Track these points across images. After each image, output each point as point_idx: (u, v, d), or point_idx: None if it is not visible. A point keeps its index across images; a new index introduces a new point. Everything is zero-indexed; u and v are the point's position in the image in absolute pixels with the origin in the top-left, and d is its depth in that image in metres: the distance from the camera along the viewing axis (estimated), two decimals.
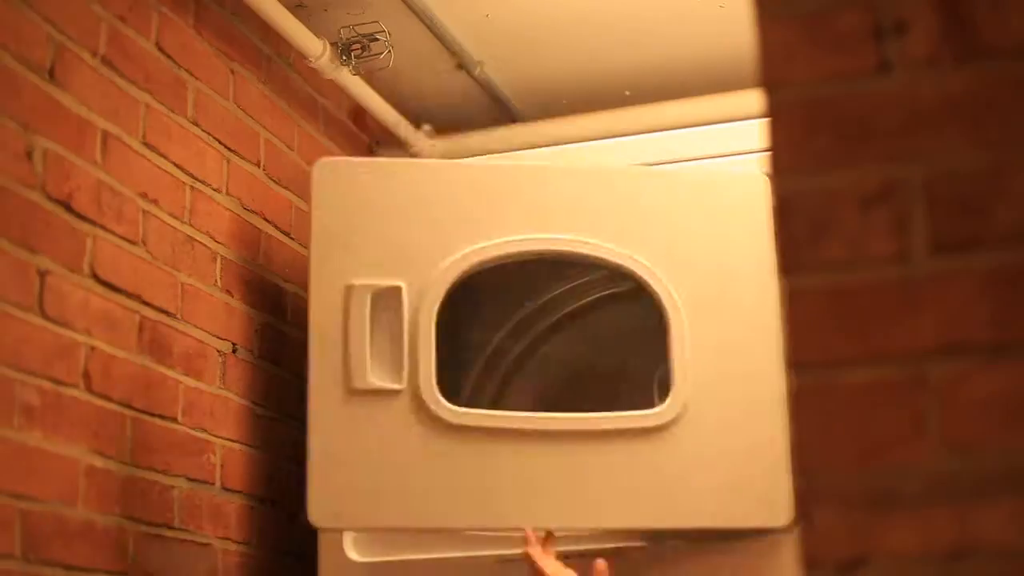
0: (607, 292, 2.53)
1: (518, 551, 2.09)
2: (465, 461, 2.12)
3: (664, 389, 2.22)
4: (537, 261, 2.29)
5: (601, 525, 2.20)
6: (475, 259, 2.21)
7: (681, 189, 2.27)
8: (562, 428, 2.16)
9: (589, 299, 2.57)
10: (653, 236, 2.23)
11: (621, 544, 2.24)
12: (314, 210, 2.22)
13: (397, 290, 2.15)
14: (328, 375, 2.13)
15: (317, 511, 2.10)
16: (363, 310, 2.13)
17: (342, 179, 2.20)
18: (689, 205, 2.25)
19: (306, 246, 2.75)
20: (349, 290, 2.15)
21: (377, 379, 2.12)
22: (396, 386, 2.12)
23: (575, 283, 2.51)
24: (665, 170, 2.31)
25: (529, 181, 2.27)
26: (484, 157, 2.59)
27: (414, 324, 2.14)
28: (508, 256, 2.24)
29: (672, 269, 2.21)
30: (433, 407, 2.13)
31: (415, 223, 2.19)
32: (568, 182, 2.27)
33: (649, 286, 2.21)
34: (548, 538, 2.10)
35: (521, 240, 2.23)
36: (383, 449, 2.11)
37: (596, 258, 2.24)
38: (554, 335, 2.64)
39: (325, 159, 2.53)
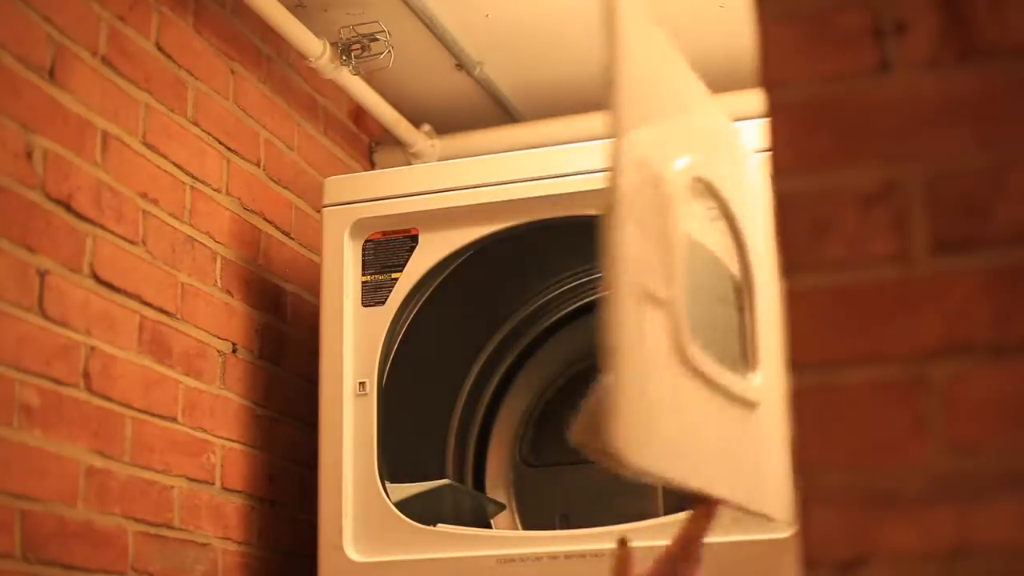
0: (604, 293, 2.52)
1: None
2: (701, 412, 1.71)
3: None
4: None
5: (739, 502, 1.99)
6: (696, 171, 1.82)
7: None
8: (745, 395, 1.82)
9: (587, 300, 2.57)
10: (747, 205, 1.96)
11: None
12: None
13: (660, 180, 1.68)
14: (628, 273, 1.53)
15: (629, 444, 1.50)
16: (650, 192, 1.65)
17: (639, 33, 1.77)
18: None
19: (306, 246, 2.76)
20: (641, 167, 1.69)
21: (657, 284, 1.63)
22: (664, 295, 1.62)
23: (572, 284, 2.51)
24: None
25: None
26: (484, 157, 2.59)
27: (670, 222, 1.68)
28: (703, 182, 1.86)
29: (755, 242, 2.00)
30: (685, 337, 1.66)
31: (669, 109, 1.82)
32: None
33: (748, 255, 1.97)
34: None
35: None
36: (656, 380, 1.62)
37: (734, 221, 1.92)
38: (553, 334, 2.64)
39: (333, 179, 2.54)
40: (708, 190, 1.88)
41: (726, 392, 1.76)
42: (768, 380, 1.96)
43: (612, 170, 1.55)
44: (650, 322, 1.57)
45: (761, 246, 2.01)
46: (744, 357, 1.96)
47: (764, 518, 2.01)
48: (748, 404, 1.86)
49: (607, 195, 1.54)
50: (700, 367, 1.66)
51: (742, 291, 1.96)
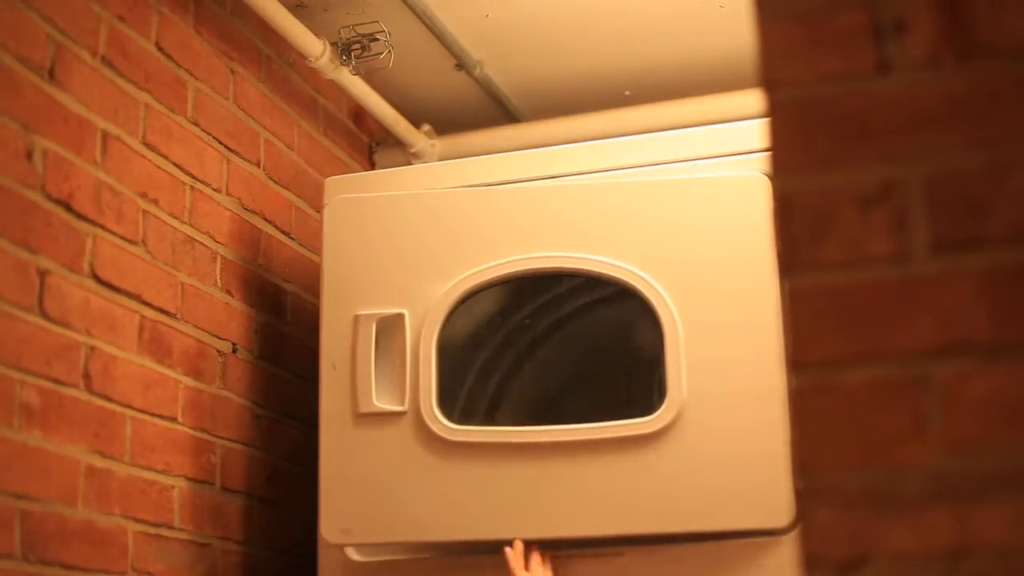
0: (595, 297, 2.54)
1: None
2: (465, 476, 2.22)
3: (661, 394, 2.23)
4: (532, 277, 2.36)
5: (601, 532, 2.21)
6: (473, 282, 2.31)
7: (675, 197, 2.30)
8: (556, 440, 2.22)
9: (576, 305, 2.57)
10: (647, 246, 2.27)
11: (622, 545, 2.24)
12: (325, 249, 2.37)
13: (400, 317, 2.28)
14: (337, 401, 2.28)
15: (329, 528, 2.25)
16: (369, 338, 2.27)
17: (352, 217, 2.35)
18: (683, 212, 2.29)
19: (306, 246, 2.76)
20: (356, 320, 2.29)
21: (381, 402, 2.25)
22: (399, 408, 2.25)
23: (561, 290, 2.53)
24: (656, 180, 2.33)
25: (526, 202, 2.34)
26: (484, 157, 2.59)
27: (415, 348, 2.27)
28: (505, 277, 2.33)
29: (665, 275, 2.24)
30: (432, 426, 2.23)
31: (417, 252, 2.32)
32: (561, 200, 2.34)
33: (643, 295, 2.24)
34: (531, 551, 2.14)
35: (517, 260, 2.31)
36: (388, 468, 2.23)
37: (591, 272, 2.31)
38: (543, 343, 2.65)
39: (333, 178, 2.55)
40: (553, 270, 2.33)
41: (577, 443, 2.18)
42: (695, 400, 2.19)
43: (320, 334, 2.38)
44: (376, 432, 2.27)
45: (677, 278, 2.19)
46: (650, 399, 2.26)
47: (686, 537, 2.16)
48: (640, 439, 2.17)
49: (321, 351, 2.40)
50: (473, 440, 2.22)
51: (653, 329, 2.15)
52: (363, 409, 2.25)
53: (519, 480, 2.20)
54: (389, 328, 2.28)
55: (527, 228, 2.32)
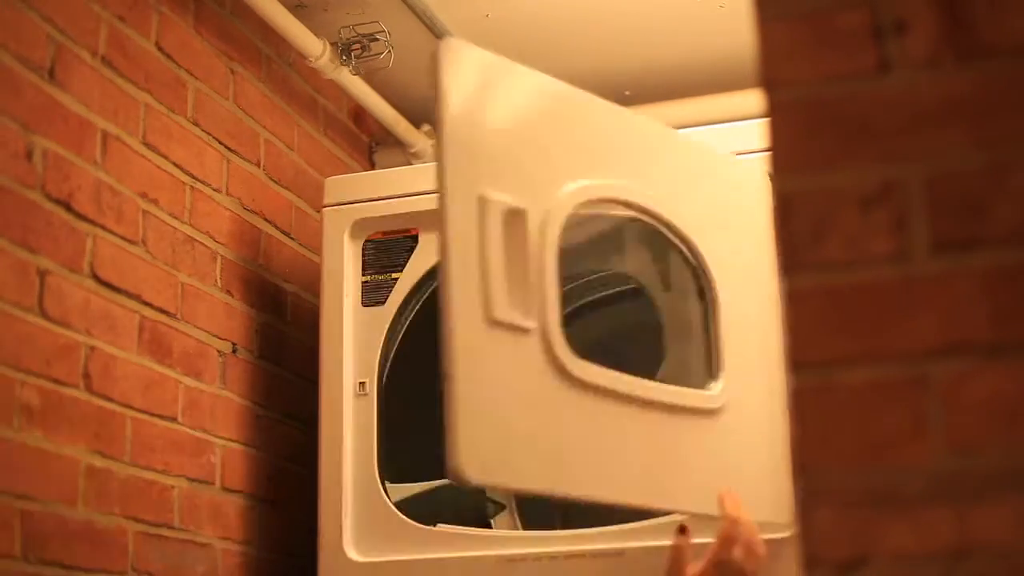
0: (600, 295, 2.53)
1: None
2: (587, 422, 1.81)
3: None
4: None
5: (672, 507, 1.99)
6: (593, 194, 1.89)
7: (725, 168, 2.14)
8: (660, 400, 1.89)
9: (584, 301, 2.56)
10: (707, 210, 2.05)
11: (621, 545, 2.24)
12: (446, 102, 1.74)
13: (522, 213, 1.77)
14: (469, 301, 1.69)
15: (467, 462, 1.62)
16: (497, 229, 1.74)
17: (471, 70, 1.80)
18: (732, 185, 2.12)
19: (306, 246, 2.76)
20: (483, 203, 1.74)
21: (514, 313, 1.74)
22: (528, 324, 1.75)
23: (570, 286, 2.51)
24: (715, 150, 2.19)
25: (638, 129, 2.03)
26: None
27: (539, 255, 1.78)
28: (615, 202, 1.95)
29: (719, 249, 2.04)
30: (561, 356, 1.77)
31: (539, 141, 1.87)
32: (665, 143, 2.06)
33: (705, 264, 2.00)
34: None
35: (626, 188, 1.94)
36: (519, 397, 1.74)
37: (669, 222, 1.98)
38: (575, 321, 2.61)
39: (333, 178, 2.53)
40: (635, 208, 1.96)
41: (657, 404, 1.85)
42: (739, 383, 1.99)
43: (444, 206, 1.64)
44: (507, 349, 1.68)
45: (728, 252, 2.04)
46: (705, 369, 2.00)
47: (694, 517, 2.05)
48: (702, 413, 1.92)
49: (440, 229, 1.65)
50: (598, 383, 1.76)
51: (700, 305, 2.00)
52: (498, 315, 1.71)
53: (621, 436, 1.84)
54: (509, 224, 1.76)
55: (634, 160, 1.99)
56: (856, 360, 0.99)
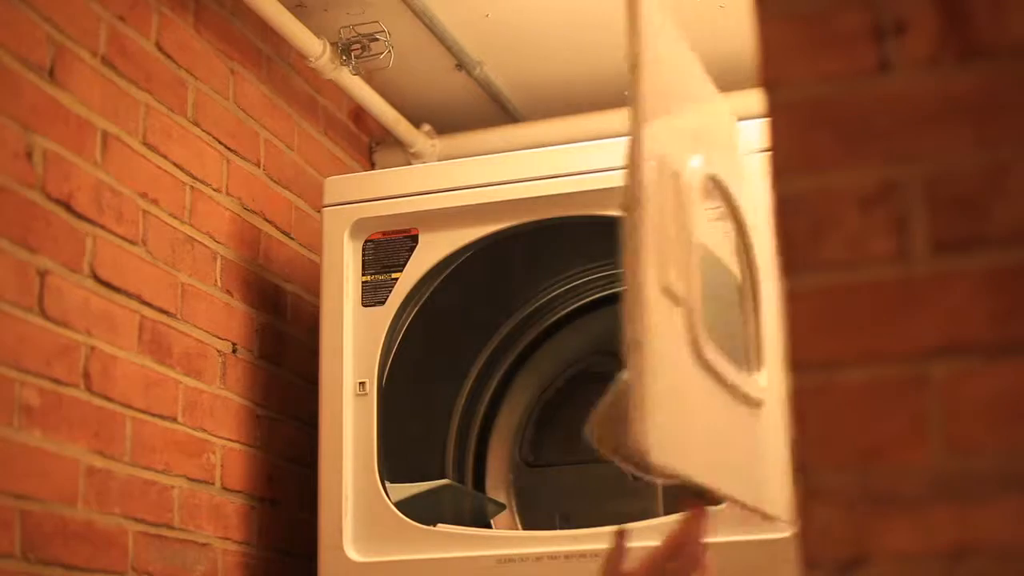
0: (604, 294, 2.53)
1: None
2: (715, 408, 1.69)
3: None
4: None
5: (746, 500, 1.97)
6: (708, 170, 1.75)
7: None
8: (751, 393, 1.78)
9: (586, 300, 2.56)
10: (752, 205, 1.94)
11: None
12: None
13: (678, 177, 1.63)
14: (649, 271, 1.52)
15: (656, 445, 1.43)
16: (672, 191, 1.60)
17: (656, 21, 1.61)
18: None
19: (306, 246, 2.76)
20: (662, 165, 1.55)
21: (677, 282, 1.58)
22: (683, 293, 1.59)
23: (572, 284, 2.51)
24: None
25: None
26: (484, 157, 2.59)
27: (687, 221, 1.63)
28: (716, 181, 1.83)
29: (760, 241, 1.92)
30: (700, 334, 1.62)
31: (682, 107, 1.77)
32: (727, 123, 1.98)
33: (754, 254, 1.89)
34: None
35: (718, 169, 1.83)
36: (679, 375, 1.58)
37: (741, 219, 1.91)
38: (553, 335, 2.63)
39: (333, 178, 2.52)
40: (718, 189, 1.87)
41: (735, 391, 1.73)
42: (771, 379, 1.97)
43: (632, 165, 1.48)
44: (670, 318, 1.53)
45: (765, 245, 2.02)
46: (748, 356, 1.97)
47: (766, 517, 2.02)
48: (754, 403, 1.84)
49: (627, 190, 1.47)
50: (714, 365, 1.63)
51: (747, 291, 1.98)
52: (670, 285, 1.55)
53: (728, 426, 1.75)
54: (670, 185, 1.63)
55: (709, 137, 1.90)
56: (856, 360, 0.99)
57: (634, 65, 1.48)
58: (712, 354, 1.62)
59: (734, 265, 1.98)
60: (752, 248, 1.99)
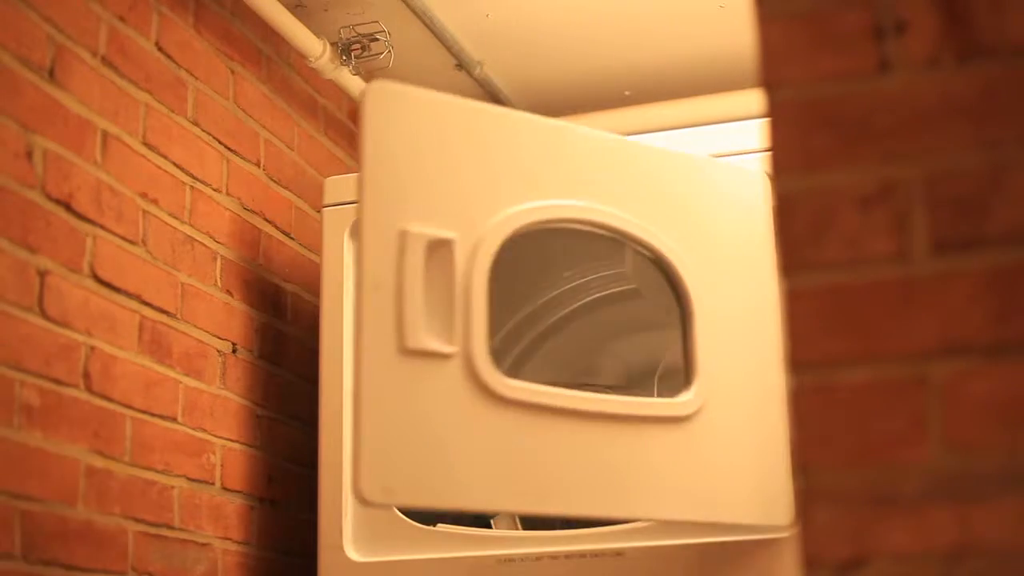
0: (602, 294, 2.53)
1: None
2: (513, 438, 1.89)
3: (667, 383, 2.15)
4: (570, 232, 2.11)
5: (635, 515, 2.09)
6: (525, 220, 1.97)
7: (706, 178, 2.17)
8: (607, 411, 1.98)
9: (585, 300, 2.57)
10: (679, 220, 2.11)
11: (621, 545, 2.24)
12: (367, 141, 1.84)
13: (449, 243, 1.87)
14: (380, 332, 1.81)
15: (369, 485, 1.76)
16: (418, 260, 1.84)
17: (396, 109, 1.90)
18: (709, 191, 2.16)
19: (306, 246, 2.76)
20: (404, 236, 1.84)
21: (430, 340, 1.84)
22: (448, 349, 1.85)
23: (573, 284, 2.51)
24: (696, 156, 2.21)
25: (583, 145, 2.09)
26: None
27: (466, 282, 1.88)
28: (553, 222, 2.02)
29: (694, 257, 2.11)
30: (484, 376, 1.87)
31: (465, 170, 1.93)
32: (618, 154, 2.11)
33: (677, 273, 2.08)
34: None
35: (566, 206, 2.02)
36: (433, 417, 1.85)
37: (635, 237, 2.06)
38: (551, 336, 2.63)
39: (333, 178, 2.53)
40: (595, 226, 2.06)
41: (606, 416, 1.95)
42: (716, 388, 2.05)
43: (362, 243, 1.80)
44: (422, 374, 1.82)
45: (701, 257, 2.08)
46: (682, 377, 2.09)
47: (712, 525, 2.08)
48: (672, 420, 2.00)
49: (357, 266, 1.81)
50: (531, 400, 1.90)
51: (677, 314, 2.05)
52: (411, 344, 1.82)
53: (559, 449, 1.93)
54: (434, 254, 1.87)
55: (579, 172, 2.06)
56: (856, 360, 0.99)
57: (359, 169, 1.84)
58: (519, 391, 1.89)
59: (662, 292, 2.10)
60: (670, 265, 2.07)
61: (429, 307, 1.84)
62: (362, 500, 1.78)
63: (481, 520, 2.55)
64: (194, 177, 2.39)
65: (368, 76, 2.83)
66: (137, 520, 2.13)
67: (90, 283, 2.07)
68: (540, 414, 1.91)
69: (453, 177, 1.91)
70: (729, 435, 2.06)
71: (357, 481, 1.75)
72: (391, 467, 1.79)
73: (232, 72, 2.55)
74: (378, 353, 1.80)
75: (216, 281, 2.44)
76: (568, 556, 2.23)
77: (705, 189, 2.18)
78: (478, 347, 1.87)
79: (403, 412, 1.82)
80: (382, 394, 1.80)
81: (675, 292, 2.09)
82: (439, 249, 1.86)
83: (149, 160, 2.26)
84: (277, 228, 2.67)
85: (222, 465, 2.40)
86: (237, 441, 2.45)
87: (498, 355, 1.97)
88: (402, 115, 1.89)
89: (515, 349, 2.33)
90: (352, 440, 1.80)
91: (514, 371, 2.24)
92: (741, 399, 2.08)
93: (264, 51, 2.67)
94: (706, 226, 2.14)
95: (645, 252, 2.11)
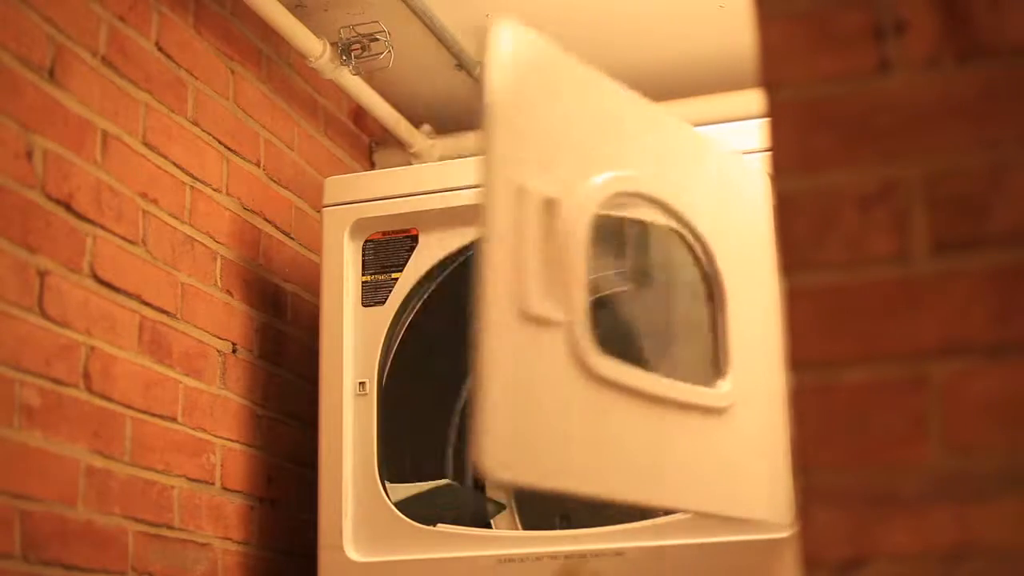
0: (603, 294, 2.53)
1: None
2: (605, 419, 1.80)
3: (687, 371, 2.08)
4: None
5: (674, 505, 2.03)
6: (619, 187, 1.88)
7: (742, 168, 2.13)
8: (675, 398, 1.89)
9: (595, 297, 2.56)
10: (724, 211, 2.05)
11: (621, 545, 2.24)
12: (492, 79, 1.71)
13: (556, 203, 1.74)
14: (503, 294, 1.67)
15: (491, 460, 1.61)
16: (534, 220, 1.70)
17: (521, 56, 1.82)
18: (748, 184, 2.12)
19: (306, 246, 2.76)
20: (522, 193, 1.70)
21: (549, 307, 1.71)
22: (561, 317, 1.72)
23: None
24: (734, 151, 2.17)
25: (665, 128, 2.03)
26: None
27: (568, 247, 1.75)
28: (641, 196, 1.95)
29: (731, 249, 2.05)
30: (586, 351, 1.75)
31: (576, 132, 1.86)
32: (686, 141, 2.06)
33: (715, 263, 2.01)
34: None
35: (649, 181, 1.95)
36: (547, 393, 1.74)
37: (688, 222, 2.00)
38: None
39: (333, 178, 2.52)
40: (654, 203, 1.96)
41: (670, 402, 1.86)
42: (744, 382, 2.00)
43: (485, 197, 1.63)
44: (537, 344, 1.67)
45: (736, 252, 2.04)
46: (714, 365, 2.01)
47: (739, 520, 2.04)
48: (711, 411, 1.93)
49: (481, 221, 1.63)
50: (618, 379, 1.76)
51: (708, 299, 2.00)
52: (534, 310, 1.69)
53: (650, 437, 1.84)
54: (544, 215, 1.74)
55: (656, 154, 2.00)
56: (856, 360, 0.99)
57: (486, 102, 1.65)
58: (615, 370, 1.74)
59: (694, 275, 2.02)
60: (713, 256, 2.01)
61: (544, 271, 1.71)
62: (484, 474, 1.69)
63: (481, 520, 2.55)
64: (194, 177, 2.39)
65: (368, 76, 2.83)
66: (137, 520, 2.13)
67: (90, 283, 2.07)
68: (625, 396, 1.79)
69: (563, 135, 1.81)
70: (757, 429, 1.98)
71: (482, 456, 1.59)
72: (513, 444, 1.66)
73: (232, 72, 2.55)
74: (503, 319, 1.66)
75: (216, 281, 2.44)
76: (568, 556, 2.23)
77: (737, 179, 2.13)
78: (581, 320, 1.73)
79: (522, 384, 1.69)
80: (506, 364, 1.66)
81: (711, 281, 2.03)
82: (549, 210, 1.73)
83: (149, 160, 2.26)
84: (277, 228, 2.67)
85: (222, 465, 2.40)
86: (237, 441, 2.45)
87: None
88: (526, 62, 1.81)
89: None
90: (477, 412, 1.62)
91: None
92: (767, 393, 2.01)
93: (264, 51, 2.67)
94: (737, 215, 2.07)
95: (690, 237, 2.02)
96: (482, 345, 1.65)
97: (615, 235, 2.17)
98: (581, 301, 1.74)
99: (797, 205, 1.02)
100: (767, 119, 1.05)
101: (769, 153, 1.05)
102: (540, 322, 1.69)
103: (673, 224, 2.03)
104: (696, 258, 2.04)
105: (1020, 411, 0.95)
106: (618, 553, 2.23)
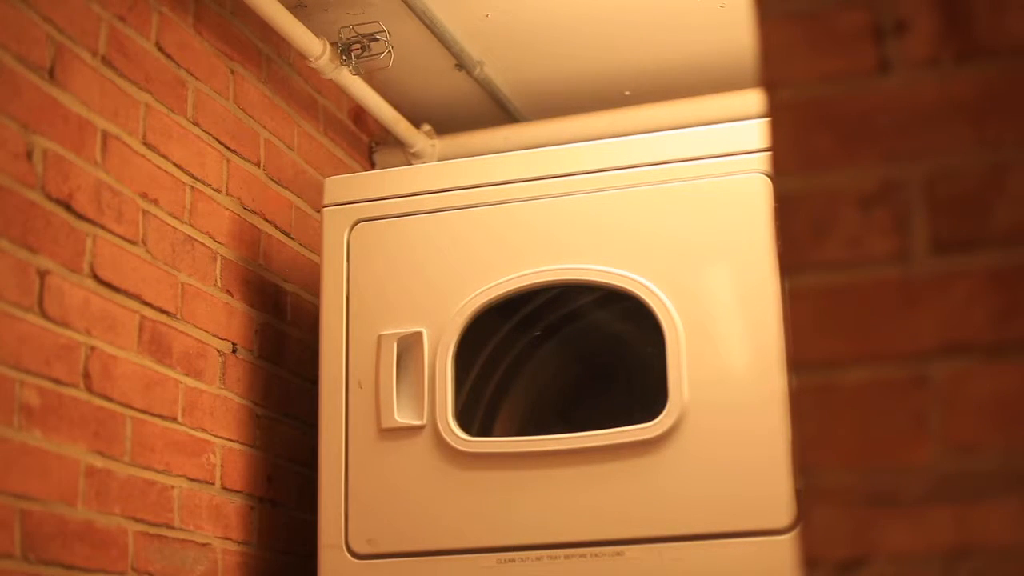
0: (586, 301, 2.55)
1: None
2: (480, 486, 2.31)
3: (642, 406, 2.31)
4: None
5: (605, 537, 2.25)
6: (484, 299, 2.39)
7: (674, 203, 2.33)
8: (562, 448, 2.29)
9: (570, 309, 2.58)
10: (651, 253, 2.32)
11: (622, 544, 2.24)
12: (353, 272, 2.46)
13: (419, 336, 2.38)
14: (363, 417, 2.39)
15: (356, 539, 2.34)
16: (391, 357, 2.38)
17: (371, 241, 2.46)
18: (682, 217, 2.32)
19: (306, 246, 2.76)
20: (380, 340, 2.39)
21: (403, 417, 2.36)
22: (418, 423, 2.35)
23: (557, 298, 2.55)
24: (655, 186, 2.36)
25: (527, 217, 2.42)
26: (484, 157, 2.59)
27: (432, 365, 2.37)
28: (515, 291, 2.40)
29: (666, 281, 2.30)
30: (448, 439, 2.33)
31: (431, 273, 2.42)
32: (562, 213, 2.40)
33: (645, 301, 2.29)
34: None
35: (525, 275, 2.40)
36: (410, 480, 2.34)
37: (594, 282, 2.38)
38: (537, 350, 2.66)
39: (333, 178, 2.57)
40: (566, 284, 2.39)
41: (583, 450, 2.25)
42: (679, 410, 2.23)
43: (349, 349, 2.44)
44: (402, 446, 2.38)
45: (677, 283, 2.28)
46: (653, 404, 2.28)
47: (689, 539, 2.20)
48: (640, 446, 2.23)
49: (346, 369, 2.46)
50: (485, 451, 2.31)
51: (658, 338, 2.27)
52: (385, 425, 2.35)
53: (529, 488, 2.29)
54: (409, 346, 2.39)
55: (529, 243, 2.40)
56: (856, 360, 0.99)
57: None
58: (482, 446, 2.31)
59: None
60: (641, 300, 2.28)
61: (404, 391, 2.37)
62: (351, 553, 2.34)
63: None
64: (194, 177, 2.39)
65: (368, 76, 2.83)
66: (137, 520, 2.13)
67: (90, 283, 2.07)
68: (505, 461, 2.31)
69: (419, 283, 2.42)
70: (711, 449, 2.22)
71: (348, 539, 2.34)
72: (373, 524, 2.33)
73: (232, 72, 2.55)
74: (361, 435, 2.38)
75: (216, 281, 2.44)
76: (568, 556, 2.23)
77: (683, 214, 2.33)
78: (442, 416, 2.34)
79: (383, 478, 2.34)
80: (365, 467, 2.36)
81: (638, 320, 2.34)
82: (411, 341, 2.38)
83: (149, 160, 2.26)
84: (277, 228, 2.67)
85: (222, 465, 2.40)
86: (237, 441, 2.45)
87: (471, 417, 2.44)
88: (374, 246, 2.45)
89: (480, 406, 2.57)
90: (343, 507, 2.36)
91: (486, 427, 2.54)
92: (726, 412, 2.23)
93: (264, 51, 2.67)
94: (683, 248, 2.32)
95: (610, 291, 2.37)
96: (349, 459, 2.39)
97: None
98: (444, 404, 2.35)
99: (797, 205, 1.02)
100: (767, 119, 1.05)
101: (769, 153, 1.05)
102: (398, 430, 2.35)
103: (597, 288, 2.40)
104: (635, 303, 2.32)
105: (1020, 411, 0.95)
106: (618, 553, 2.23)
